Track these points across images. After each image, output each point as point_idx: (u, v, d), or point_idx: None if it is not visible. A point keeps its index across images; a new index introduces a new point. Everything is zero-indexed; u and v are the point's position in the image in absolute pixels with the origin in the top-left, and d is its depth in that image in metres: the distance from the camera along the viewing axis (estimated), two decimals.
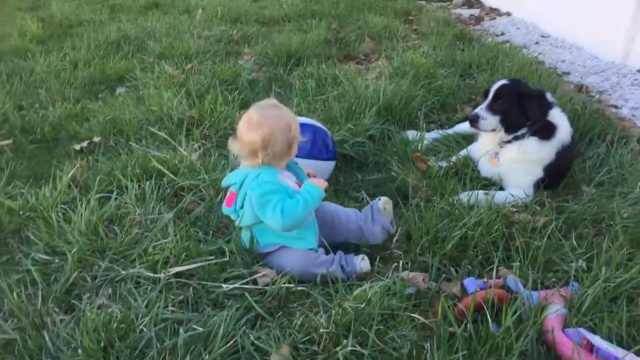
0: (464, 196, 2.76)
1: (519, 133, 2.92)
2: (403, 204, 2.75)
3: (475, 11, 7.26)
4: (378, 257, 2.39)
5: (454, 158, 3.18)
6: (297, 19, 6.51)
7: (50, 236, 2.45)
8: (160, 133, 3.39)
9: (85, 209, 2.55)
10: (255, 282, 2.21)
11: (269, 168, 2.26)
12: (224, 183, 2.41)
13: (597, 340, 1.85)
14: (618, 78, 4.56)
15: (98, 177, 2.84)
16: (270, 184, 2.21)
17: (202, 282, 2.20)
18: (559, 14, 5.84)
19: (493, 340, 1.87)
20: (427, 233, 2.46)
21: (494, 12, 7.09)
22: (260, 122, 2.21)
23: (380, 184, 3.05)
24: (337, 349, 1.87)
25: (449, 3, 7.83)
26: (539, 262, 2.32)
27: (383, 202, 2.48)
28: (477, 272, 2.35)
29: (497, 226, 2.47)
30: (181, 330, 1.91)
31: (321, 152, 2.91)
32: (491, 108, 2.93)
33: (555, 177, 2.94)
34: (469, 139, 3.41)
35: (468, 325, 1.91)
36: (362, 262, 2.31)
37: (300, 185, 2.33)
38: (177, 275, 2.23)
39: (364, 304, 2.02)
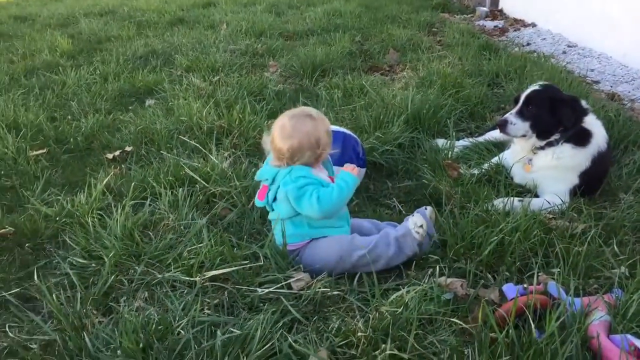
0: (498, 203, 2.72)
1: (552, 139, 2.88)
2: (436, 211, 2.71)
3: (499, 22, 7.23)
4: (414, 263, 2.35)
5: (485, 165, 3.15)
6: (320, 33, 6.56)
7: (86, 241, 2.48)
8: (191, 142, 3.42)
9: (121, 214, 2.58)
10: (289, 286, 2.20)
11: (300, 165, 2.29)
12: (257, 177, 2.44)
13: None
14: None
15: (132, 184, 2.87)
16: (304, 178, 2.25)
17: (237, 287, 2.20)
18: (586, 24, 5.79)
19: (536, 346, 1.82)
20: (462, 239, 2.43)
21: (519, 23, 7.06)
22: (291, 134, 2.25)
23: (412, 192, 3.03)
24: (376, 352, 1.84)
25: (472, 15, 7.83)
26: (579, 268, 2.26)
27: (430, 212, 2.46)
28: (516, 278, 2.30)
29: (534, 232, 2.43)
30: (218, 333, 1.90)
31: (351, 160, 2.90)
32: (521, 114, 2.90)
33: (591, 184, 2.88)
34: (500, 146, 3.38)
35: (510, 331, 1.87)
36: (414, 217, 2.32)
37: (332, 180, 2.35)
38: (212, 279, 2.23)
39: (401, 308, 1.99)
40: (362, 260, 2.24)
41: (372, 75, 4.97)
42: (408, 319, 1.96)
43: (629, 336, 1.85)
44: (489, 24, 7.23)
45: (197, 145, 3.38)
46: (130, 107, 4.35)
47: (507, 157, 3.12)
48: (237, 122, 3.65)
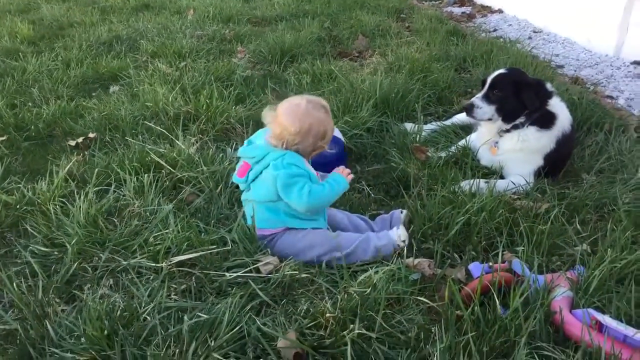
0: (465, 185, 2.75)
1: (518, 122, 2.92)
2: (404, 193, 2.73)
3: (467, 9, 7.28)
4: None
5: (453, 148, 3.18)
6: (289, 18, 6.49)
7: (48, 229, 2.42)
8: (157, 128, 3.36)
9: (84, 201, 2.52)
10: (258, 270, 2.19)
11: (294, 153, 2.26)
12: (239, 153, 2.38)
13: (606, 319, 1.84)
14: (612, 70, 4.59)
15: (96, 171, 2.81)
16: (297, 167, 2.21)
17: (205, 272, 2.18)
18: (551, 10, 5.88)
19: (501, 322, 1.85)
20: (429, 220, 2.45)
21: (486, 9, 7.12)
22: (303, 116, 2.22)
23: (380, 175, 3.03)
24: (344, 332, 1.84)
25: (440, 2, 7.86)
26: (543, 246, 2.31)
27: (406, 214, 2.47)
28: (482, 257, 2.34)
29: (499, 212, 2.47)
30: (185, 318, 1.88)
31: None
32: (487, 97, 2.93)
33: (555, 166, 2.94)
34: (467, 129, 3.42)
35: (475, 308, 1.89)
36: (398, 230, 2.30)
37: (318, 174, 2.35)
38: (179, 265, 2.21)
39: (369, 289, 2.00)
40: (337, 260, 2.22)
41: (341, 60, 4.95)
42: (376, 299, 1.97)
43: (590, 310, 1.90)
44: (457, 10, 7.28)
45: (164, 131, 3.31)
46: (93, 94, 4.24)
47: (474, 139, 3.15)
48: (204, 108, 3.60)
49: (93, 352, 1.77)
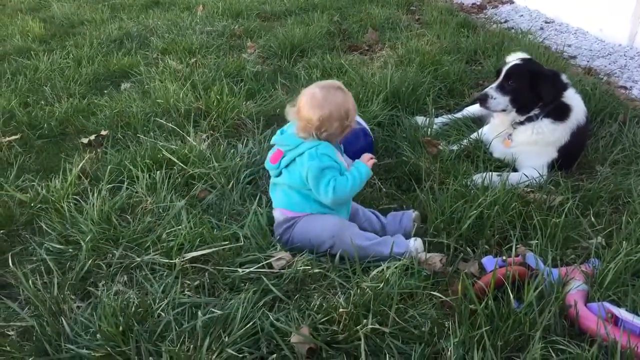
0: (477, 178, 2.73)
1: (532, 114, 2.88)
2: (416, 187, 2.72)
3: (477, 0, 7.21)
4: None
5: (464, 141, 3.16)
6: (298, 13, 6.47)
7: (62, 226, 2.45)
8: (168, 124, 3.37)
9: (97, 199, 2.54)
10: (270, 265, 2.19)
11: (326, 142, 2.30)
12: (273, 140, 2.43)
13: (622, 313, 1.83)
14: (625, 60, 4.53)
15: (108, 168, 2.83)
16: (329, 158, 2.26)
17: (218, 267, 2.19)
18: (562, 0, 5.80)
19: (515, 316, 1.84)
20: (442, 214, 2.44)
21: (496, 0, 7.05)
22: (322, 104, 2.25)
23: (391, 169, 3.02)
24: (358, 327, 1.84)
25: None
26: (557, 239, 2.29)
27: (417, 215, 2.47)
28: (495, 251, 2.33)
29: (513, 205, 2.45)
30: (199, 314, 1.90)
31: (357, 139, 2.87)
32: (502, 88, 2.90)
33: (569, 158, 2.91)
34: (478, 122, 3.40)
35: (489, 302, 1.88)
36: (415, 243, 2.29)
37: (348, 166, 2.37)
38: (192, 261, 2.22)
39: (382, 284, 2.00)
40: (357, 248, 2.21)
41: (351, 54, 4.92)
42: (389, 294, 1.97)
43: (605, 304, 1.89)
44: (467, 1, 7.20)
45: (175, 127, 3.32)
46: (105, 91, 4.25)
47: (487, 132, 3.13)
48: (214, 104, 3.60)
49: (108, 348, 1.78)
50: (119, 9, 7.16)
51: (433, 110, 3.54)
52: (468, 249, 2.34)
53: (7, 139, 3.41)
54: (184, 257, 2.21)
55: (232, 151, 3.04)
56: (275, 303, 2.04)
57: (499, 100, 2.88)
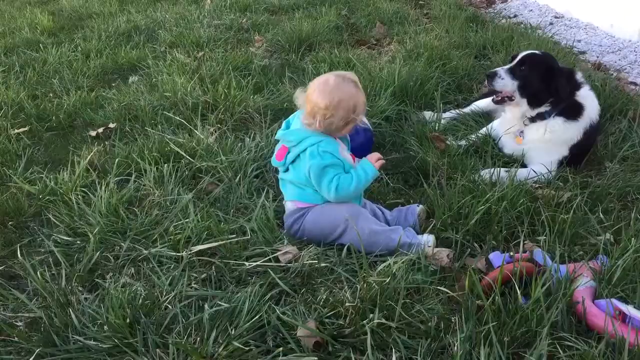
0: (485, 173, 2.72)
1: (544, 111, 2.86)
2: (424, 182, 2.71)
3: None
4: None
5: (473, 136, 3.14)
6: (306, 7, 6.44)
7: (70, 218, 2.46)
8: (175, 117, 3.37)
9: (105, 191, 2.55)
10: (277, 259, 2.19)
11: (329, 138, 2.29)
12: (277, 135, 2.42)
13: (630, 310, 1.82)
14: (635, 56, 4.49)
15: (116, 161, 2.84)
16: (331, 156, 2.24)
17: (225, 261, 2.19)
18: None
19: (523, 312, 1.84)
20: (449, 209, 2.43)
21: None
22: (333, 90, 2.24)
23: (399, 164, 3.01)
24: (364, 322, 1.84)
25: None
26: (565, 235, 2.28)
27: (421, 209, 2.46)
28: (502, 247, 2.32)
29: (521, 201, 2.43)
30: (206, 306, 1.90)
31: (358, 133, 2.86)
32: (512, 71, 2.89)
33: (579, 155, 2.89)
34: (487, 117, 3.38)
35: (496, 298, 1.88)
36: (429, 237, 2.28)
37: (354, 157, 2.37)
38: (199, 254, 2.23)
39: (388, 278, 2.00)
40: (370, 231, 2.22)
41: (359, 49, 4.91)
42: (395, 289, 1.97)
43: (614, 300, 1.88)
44: None
45: (182, 120, 3.33)
46: (113, 84, 4.27)
47: (496, 127, 3.12)
48: (222, 97, 3.60)
49: (116, 340, 1.79)
50: (127, 2, 7.16)
51: (441, 105, 3.52)
52: (475, 245, 2.33)
53: (16, 131, 3.44)
54: (191, 250, 2.21)
55: (239, 145, 3.04)
56: (281, 297, 2.05)
57: (506, 82, 2.88)
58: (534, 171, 2.77)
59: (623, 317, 1.82)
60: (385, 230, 2.26)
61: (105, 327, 1.83)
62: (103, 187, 2.59)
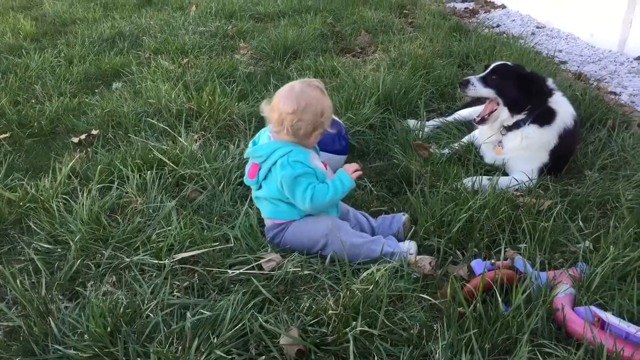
0: (467, 181, 2.75)
1: (520, 120, 2.90)
2: (407, 190, 2.73)
3: (470, 4, 7.26)
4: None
5: (456, 145, 3.17)
6: (292, 14, 6.48)
7: (51, 226, 2.43)
8: (159, 124, 3.36)
9: (87, 198, 2.53)
10: (260, 267, 2.19)
11: (299, 147, 2.26)
12: (247, 154, 2.38)
13: (608, 317, 1.84)
14: (615, 66, 4.58)
15: (98, 168, 2.81)
16: (301, 165, 2.21)
17: (208, 268, 2.18)
18: (554, 5, 5.85)
19: (503, 319, 1.85)
20: (432, 217, 2.45)
21: (489, 4, 7.10)
22: (299, 96, 2.21)
23: (383, 172, 3.03)
24: (347, 330, 1.85)
25: None
26: (545, 243, 2.31)
27: (407, 218, 2.47)
28: (484, 254, 2.33)
29: (502, 209, 2.46)
30: (188, 315, 1.89)
31: (334, 143, 2.88)
32: (484, 80, 2.98)
33: (559, 162, 2.93)
34: (469, 125, 3.41)
35: (477, 305, 1.89)
36: (409, 244, 2.29)
37: (325, 165, 2.35)
38: (182, 262, 2.21)
39: (371, 286, 2.00)
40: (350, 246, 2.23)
41: (343, 57, 4.94)
42: (378, 296, 1.97)
43: (592, 307, 1.90)
44: (460, 5, 7.26)
45: (166, 127, 3.32)
46: (96, 90, 4.24)
47: (477, 136, 3.15)
48: (206, 104, 3.60)
49: (96, 349, 1.77)
50: (112, 8, 7.14)
51: (425, 113, 3.55)
52: (457, 252, 2.35)
53: None
54: (173, 258, 2.20)
55: (223, 152, 3.04)
56: (264, 304, 2.04)
57: (478, 89, 2.97)
58: (516, 179, 2.81)
59: (602, 324, 1.84)
60: (365, 242, 2.26)
61: (86, 336, 1.81)
62: (85, 194, 2.56)
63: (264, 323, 1.89)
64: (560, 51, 5.10)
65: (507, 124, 2.94)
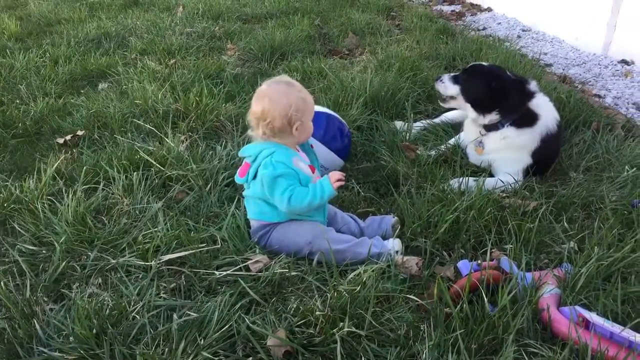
0: (454, 182, 2.76)
1: (496, 120, 2.91)
2: (394, 191, 2.74)
3: (457, 7, 7.31)
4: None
5: (442, 146, 3.19)
6: (279, 16, 6.48)
7: (36, 227, 2.41)
8: (146, 125, 3.34)
9: (72, 199, 2.51)
10: (247, 268, 2.18)
11: (284, 147, 2.26)
12: (240, 153, 2.39)
13: (593, 317, 1.86)
14: (599, 69, 4.63)
15: (84, 169, 2.79)
16: (283, 166, 2.20)
17: (194, 270, 2.18)
18: (539, 8, 5.91)
19: (490, 319, 1.87)
20: (419, 218, 2.46)
21: (475, 7, 7.15)
22: (264, 95, 2.24)
23: (370, 173, 3.04)
24: (334, 331, 1.85)
25: (430, 0, 7.87)
26: (531, 244, 2.33)
27: (396, 221, 2.47)
28: (470, 255, 2.35)
29: (488, 210, 2.48)
30: (175, 316, 1.88)
31: (335, 139, 2.89)
32: (455, 78, 3.10)
33: (543, 164, 2.95)
34: (456, 127, 3.43)
35: (464, 306, 1.90)
36: (394, 242, 2.30)
37: (313, 169, 2.34)
38: (169, 263, 2.20)
39: (359, 287, 2.01)
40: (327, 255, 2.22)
41: (331, 58, 4.95)
42: (366, 297, 1.97)
43: (577, 307, 1.92)
44: (447, 8, 7.30)
45: (153, 128, 3.30)
46: (82, 91, 4.20)
47: (464, 137, 3.17)
48: (193, 105, 3.58)
49: (82, 351, 1.76)
50: (98, 8, 7.09)
51: (412, 115, 3.57)
52: (444, 253, 2.36)
53: None
54: (160, 260, 2.19)
55: (210, 153, 3.03)
56: (252, 306, 2.03)
57: (447, 85, 3.11)
58: (502, 181, 2.83)
59: (586, 324, 1.86)
60: (350, 246, 2.25)
61: (71, 338, 1.80)
62: (70, 196, 2.54)
63: (251, 324, 1.88)
64: (545, 54, 5.15)
65: (480, 122, 2.97)
